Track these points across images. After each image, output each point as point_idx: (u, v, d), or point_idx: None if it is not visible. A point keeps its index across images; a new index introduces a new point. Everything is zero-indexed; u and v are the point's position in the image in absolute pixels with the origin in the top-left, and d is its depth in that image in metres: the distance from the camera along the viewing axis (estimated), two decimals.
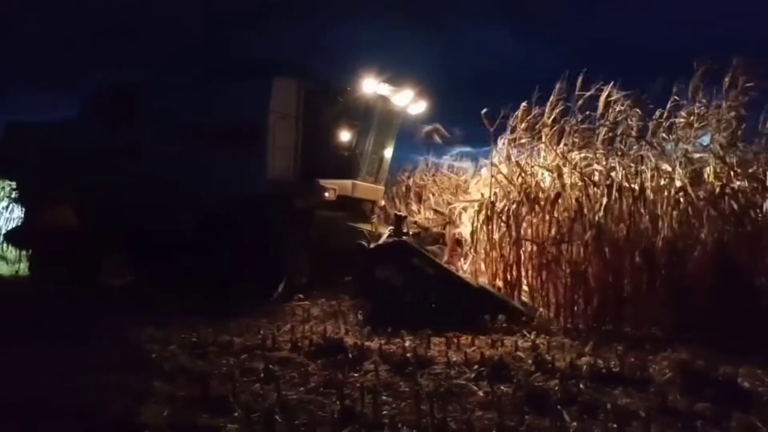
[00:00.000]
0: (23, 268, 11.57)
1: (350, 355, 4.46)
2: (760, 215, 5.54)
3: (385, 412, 3.25)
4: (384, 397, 3.49)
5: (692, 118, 6.19)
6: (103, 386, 3.70)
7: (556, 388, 3.60)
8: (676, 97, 6.34)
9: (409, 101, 8.52)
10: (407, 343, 4.81)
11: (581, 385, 3.68)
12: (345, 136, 8.41)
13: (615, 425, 3.04)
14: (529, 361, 4.25)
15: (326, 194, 7.61)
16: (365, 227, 8.14)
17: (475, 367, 4.09)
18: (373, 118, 8.46)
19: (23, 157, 9.01)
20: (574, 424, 3.09)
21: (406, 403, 3.40)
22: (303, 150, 7.78)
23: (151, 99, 8.30)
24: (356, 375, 4.03)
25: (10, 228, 12.50)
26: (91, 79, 10.54)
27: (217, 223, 7.38)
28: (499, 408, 3.22)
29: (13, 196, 13.67)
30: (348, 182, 8.25)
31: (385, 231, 7.29)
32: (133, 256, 8.72)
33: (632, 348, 4.64)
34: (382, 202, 9.83)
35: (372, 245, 6.70)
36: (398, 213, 7.69)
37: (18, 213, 13.56)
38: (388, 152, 9.26)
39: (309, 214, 7.64)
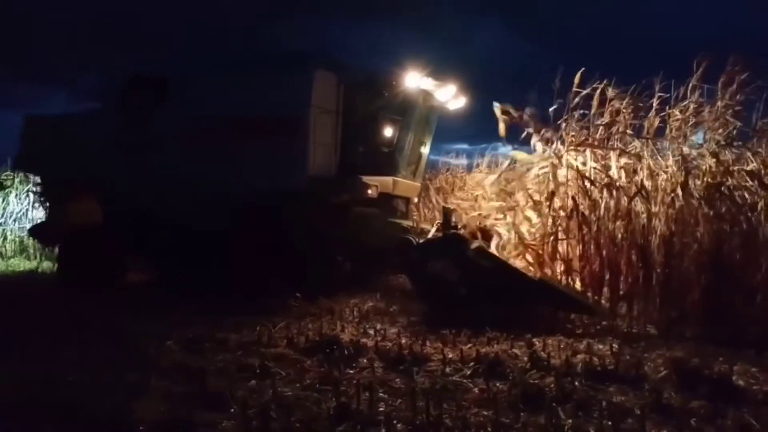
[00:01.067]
0: (18, 263, 11.57)
1: (346, 352, 4.47)
2: (754, 214, 5.55)
3: (380, 409, 3.26)
4: (380, 394, 3.49)
5: (688, 113, 6.18)
6: (100, 383, 3.69)
7: (552, 385, 3.61)
8: (660, 93, 6.32)
9: (450, 96, 8.25)
10: (403, 340, 4.82)
11: (576, 383, 3.70)
12: (386, 131, 8.17)
13: (610, 422, 3.06)
14: (525, 359, 4.25)
15: (369, 191, 7.40)
16: (405, 223, 7.91)
17: (471, 364, 4.08)
18: (414, 113, 8.24)
19: (45, 151, 8.79)
20: (569, 421, 3.09)
21: (401, 400, 3.40)
22: (343, 146, 7.59)
23: (181, 91, 7.99)
24: (352, 372, 4.03)
25: (36, 223, 12.29)
26: (114, 70, 10.30)
27: (251, 221, 7.12)
28: (494, 405, 3.23)
29: (6, 187, 13.65)
30: (389, 179, 8.03)
31: (428, 227, 7.01)
32: (159, 254, 8.25)
33: (627, 345, 4.65)
34: (416, 199, 9.58)
35: (421, 240, 6.49)
36: (447, 206, 7.36)
37: (16, 207, 13.54)
38: (427, 148, 9.07)
39: (346, 211, 7.46)
